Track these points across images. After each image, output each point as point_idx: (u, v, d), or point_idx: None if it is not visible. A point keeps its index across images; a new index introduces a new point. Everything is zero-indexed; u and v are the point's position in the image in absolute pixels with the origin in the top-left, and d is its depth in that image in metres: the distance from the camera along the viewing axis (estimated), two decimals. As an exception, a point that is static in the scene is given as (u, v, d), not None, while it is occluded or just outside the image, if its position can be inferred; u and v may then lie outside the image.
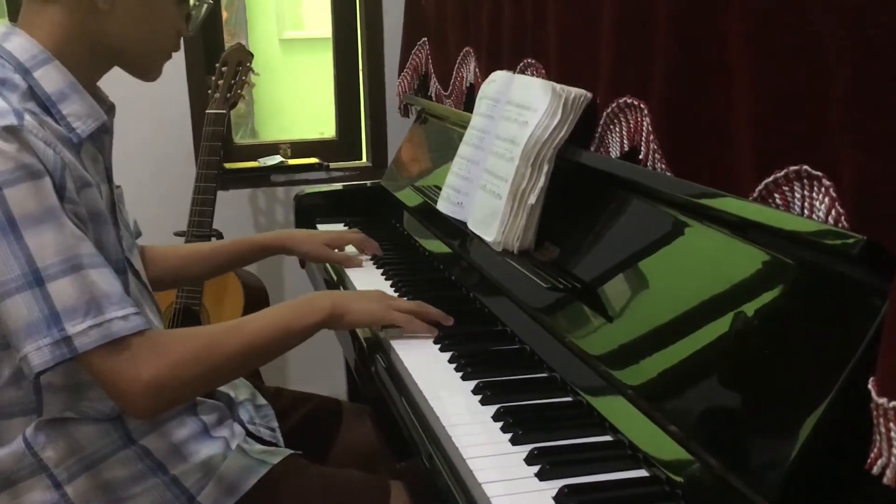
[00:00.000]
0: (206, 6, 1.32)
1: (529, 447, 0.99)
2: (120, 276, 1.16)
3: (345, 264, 1.72)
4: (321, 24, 3.08)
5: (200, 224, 2.28)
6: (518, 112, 1.43)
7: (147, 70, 1.24)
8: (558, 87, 1.36)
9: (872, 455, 0.71)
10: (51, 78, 1.12)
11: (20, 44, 1.12)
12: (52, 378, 1.11)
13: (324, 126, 3.08)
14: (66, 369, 1.11)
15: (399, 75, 2.40)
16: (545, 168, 1.36)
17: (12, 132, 1.02)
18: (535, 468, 0.96)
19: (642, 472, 0.95)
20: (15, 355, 1.07)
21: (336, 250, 1.75)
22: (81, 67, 1.16)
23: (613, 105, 1.28)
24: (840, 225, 0.85)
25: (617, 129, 1.29)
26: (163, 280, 1.58)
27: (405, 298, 1.44)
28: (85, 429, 1.14)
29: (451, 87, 2.05)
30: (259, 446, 1.29)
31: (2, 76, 1.09)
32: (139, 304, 1.21)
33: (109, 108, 1.26)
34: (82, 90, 1.15)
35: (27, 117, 1.04)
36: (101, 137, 1.22)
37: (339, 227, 2.09)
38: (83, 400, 1.15)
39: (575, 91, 1.35)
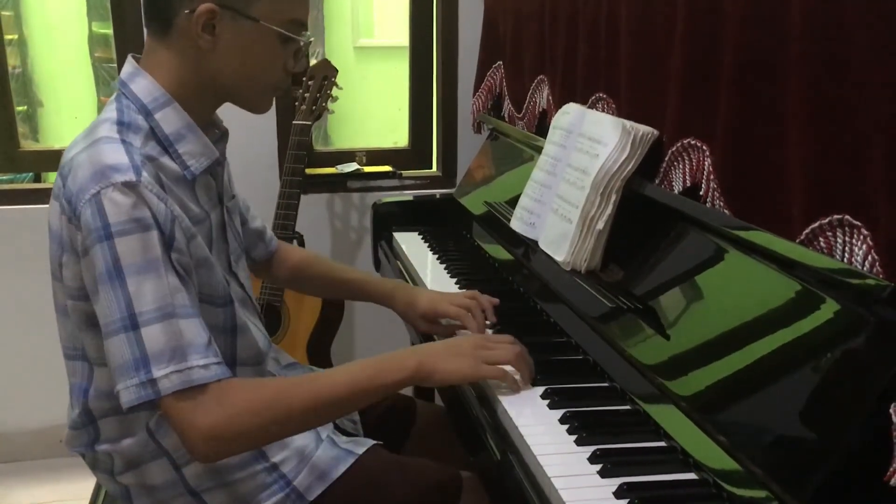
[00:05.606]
0: (310, 42, 1.41)
1: (592, 448, 1.10)
2: (223, 308, 1.26)
3: (440, 335, 1.55)
4: (392, 31, 3.12)
5: (284, 227, 2.38)
6: (590, 145, 1.53)
7: (254, 104, 1.28)
8: (628, 123, 1.45)
9: (892, 469, 0.84)
10: (169, 120, 1.21)
11: (144, 86, 1.22)
12: None
13: (392, 134, 3.15)
14: None
15: (474, 94, 2.49)
16: (613, 198, 1.45)
17: (131, 187, 1.09)
18: (598, 467, 1.07)
19: (692, 475, 1.05)
20: None
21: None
22: (196, 104, 1.24)
23: (678, 144, 1.37)
24: (875, 269, 0.95)
25: (680, 167, 1.37)
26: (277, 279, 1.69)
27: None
28: None
29: (524, 111, 2.14)
30: (344, 437, 1.41)
31: (128, 119, 1.19)
32: (240, 313, 1.30)
33: (222, 136, 1.33)
34: (197, 130, 1.23)
35: (144, 173, 1.12)
36: (215, 169, 1.30)
37: (414, 235, 2.20)
38: None
39: (643, 128, 1.44)
